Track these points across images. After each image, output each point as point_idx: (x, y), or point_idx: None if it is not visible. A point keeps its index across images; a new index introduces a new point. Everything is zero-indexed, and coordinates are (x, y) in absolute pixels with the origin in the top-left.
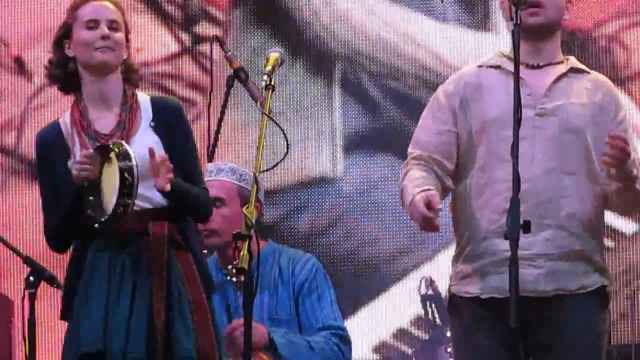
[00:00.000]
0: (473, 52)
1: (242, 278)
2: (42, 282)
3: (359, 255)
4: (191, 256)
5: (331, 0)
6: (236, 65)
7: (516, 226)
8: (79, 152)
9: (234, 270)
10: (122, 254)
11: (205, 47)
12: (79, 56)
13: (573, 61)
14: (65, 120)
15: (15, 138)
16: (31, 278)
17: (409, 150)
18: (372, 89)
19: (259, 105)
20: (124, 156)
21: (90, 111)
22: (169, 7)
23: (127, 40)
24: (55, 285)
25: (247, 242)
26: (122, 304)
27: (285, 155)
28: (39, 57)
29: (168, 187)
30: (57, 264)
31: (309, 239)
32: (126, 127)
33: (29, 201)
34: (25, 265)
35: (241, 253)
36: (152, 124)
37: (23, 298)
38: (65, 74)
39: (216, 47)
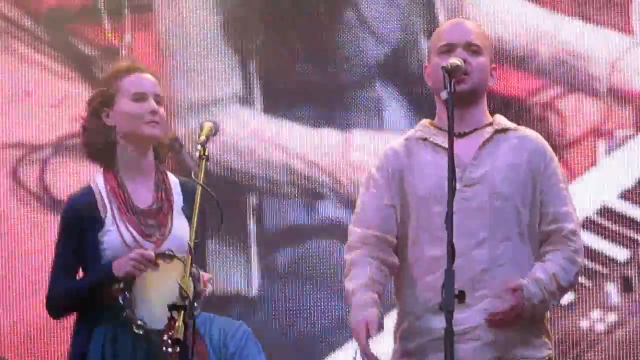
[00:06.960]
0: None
1: (178, 349)
2: None
3: (296, 327)
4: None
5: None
6: (170, 136)
7: (451, 297)
8: (118, 223)
9: (169, 342)
10: (139, 348)
11: None
12: (121, 127)
13: (498, 121)
14: (98, 186)
15: None
16: None
17: (351, 227)
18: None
19: (192, 175)
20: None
21: (126, 182)
22: (100, 74)
23: None
24: None
25: (182, 313)
26: None
27: (220, 226)
28: None
29: None
30: None
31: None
32: (164, 207)
33: None
34: None
35: (176, 324)
36: (184, 208)
37: None
38: (105, 143)
39: None
